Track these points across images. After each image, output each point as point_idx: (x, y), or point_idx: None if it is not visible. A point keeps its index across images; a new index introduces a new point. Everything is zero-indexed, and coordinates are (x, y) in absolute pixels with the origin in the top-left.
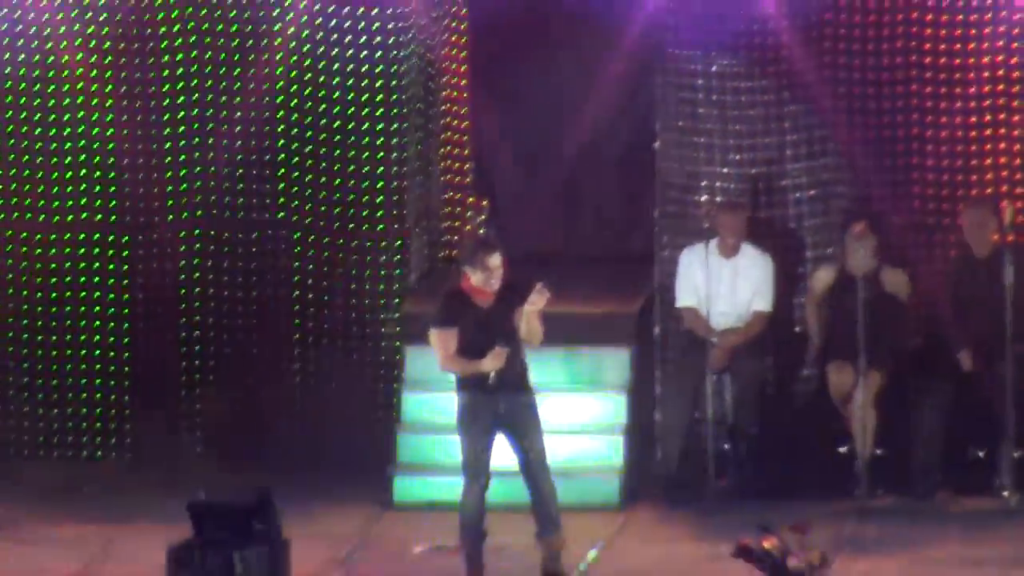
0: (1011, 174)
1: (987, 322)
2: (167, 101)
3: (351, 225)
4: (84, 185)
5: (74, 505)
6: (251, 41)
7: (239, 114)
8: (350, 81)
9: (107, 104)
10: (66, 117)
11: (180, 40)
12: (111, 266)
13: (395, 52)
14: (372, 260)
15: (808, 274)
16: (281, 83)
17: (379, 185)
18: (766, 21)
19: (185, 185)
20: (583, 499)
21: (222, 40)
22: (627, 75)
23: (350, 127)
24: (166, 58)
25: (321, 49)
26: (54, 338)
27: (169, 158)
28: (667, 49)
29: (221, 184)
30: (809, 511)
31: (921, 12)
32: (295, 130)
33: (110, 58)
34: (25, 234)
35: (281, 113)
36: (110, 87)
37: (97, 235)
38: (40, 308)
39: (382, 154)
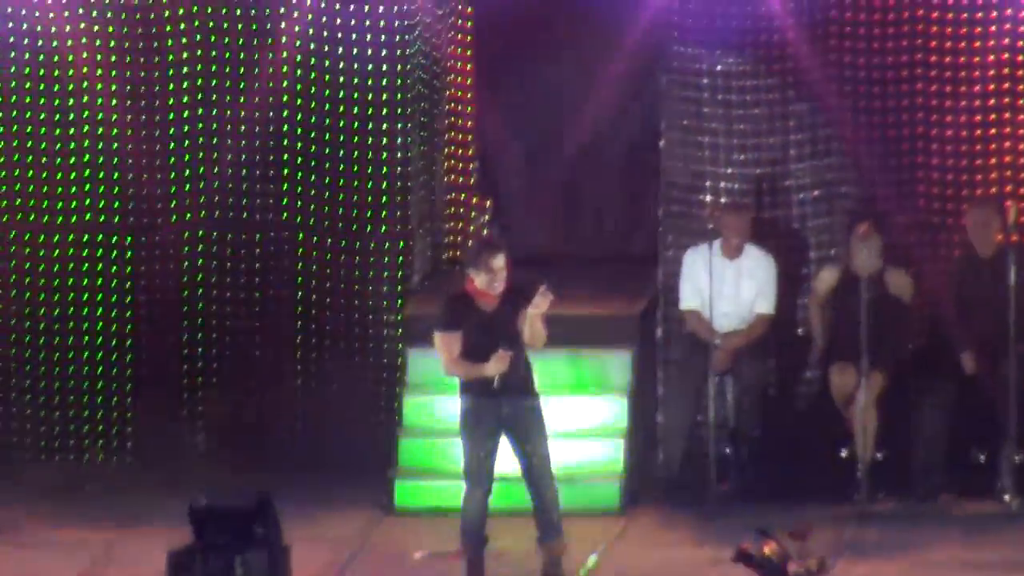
0: (1015, 174)
1: (991, 323)
2: (171, 102)
3: (354, 227)
4: (88, 186)
5: (75, 508)
6: (255, 42)
7: (242, 115)
8: (354, 82)
9: (111, 105)
10: (70, 118)
11: (184, 40)
12: (114, 268)
13: (399, 53)
14: (375, 262)
15: (812, 275)
16: (285, 83)
17: (383, 186)
18: (771, 20)
19: (188, 186)
20: (584, 503)
21: (227, 40)
22: (631, 75)
23: (354, 128)
24: (171, 58)
25: (325, 50)
26: (57, 340)
27: (172, 159)
28: (671, 48)
29: (224, 186)
30: (810, 514)
31: (926, 11)
32: (298, 131)
33: (114, 59)
34: (28, 235)
35: (285, 114)
36: (114, 88)
37: (100, 236)
38: (43, 310)
39: (385, 155)
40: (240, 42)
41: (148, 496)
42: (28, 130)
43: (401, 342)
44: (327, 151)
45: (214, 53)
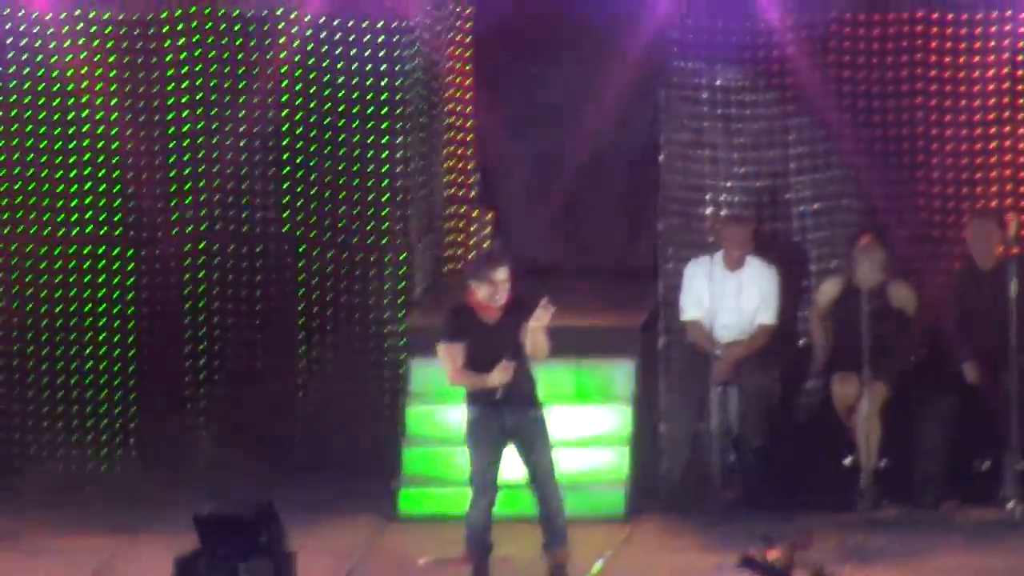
0: (1016, 186)
1: (991, 334)
2: (171, 115)
3: (355, 238)
4: (90, 198)
5: (78, 515)
6: (255, 53)
7: (242, 127)
8: (355, 93)
9: (112, 117)
10: (71, 131)
11: (184, 52)
12: (116, 278)
13: (399, 64)
14: (377, 273)
15: (813, 287)
16: (285, 96)
17: (384, 198)
18: (771, 34)
19: (189, 198)
20: (589, 510)
21: (227, 52)
22: (632, 87)
23: (355, 139)
24: (170, 72)
25: (324, 60)
26: (60, 350)
27: (173, 171)
28: (672, 62)
29: (225, 197)
30: (814, 523)
31: (926, 24)
32: (299, 143)
33: (114, 71)
34: (30, 246)
35: (284, 127)
36: (115, 100)
37: (103, 248)
38: (45, 320)
39: (387, 167)
40: (239, 52)
41: (151, 504)
42: (29, 142)
43: (404, 352)
44: (327, 162)
45: (214, 64)
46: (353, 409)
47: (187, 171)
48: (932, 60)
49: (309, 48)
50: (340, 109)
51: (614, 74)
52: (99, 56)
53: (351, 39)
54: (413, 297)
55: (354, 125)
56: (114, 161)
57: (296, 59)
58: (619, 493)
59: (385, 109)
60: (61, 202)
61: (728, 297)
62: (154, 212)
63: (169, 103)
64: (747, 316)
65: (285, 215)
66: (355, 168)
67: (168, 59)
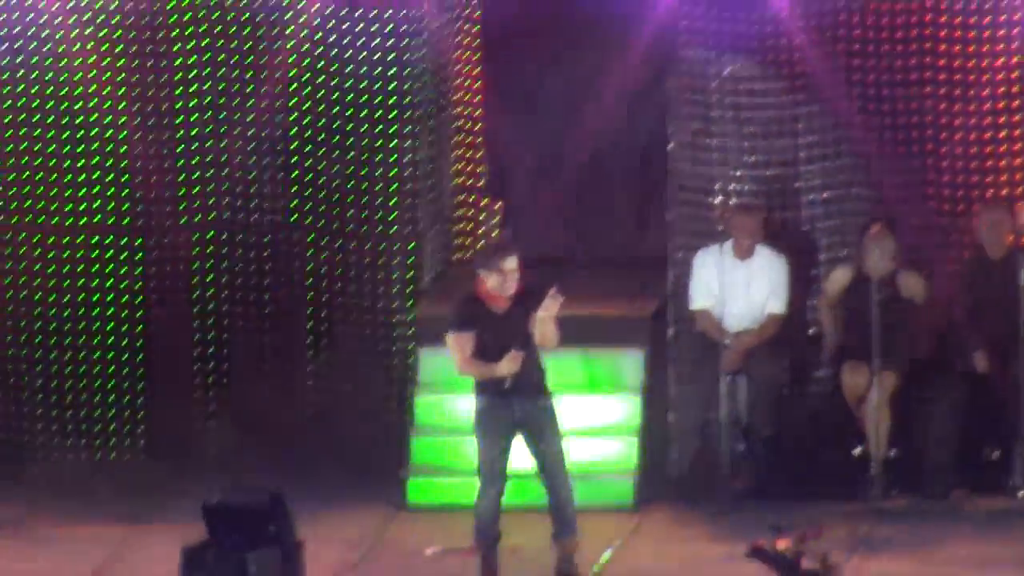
0: None
1: (1001, 323)
2: (180, 104)
3: (364, 228)
4: (98, 188)
5: (86, 505)
6: (263, 45)
7: (252, 118)
8: (363, 84)
9: (120, 107)
10: (79, 120)
11: (193, 43)
12: (124, 269)
13: (408, 55)
14: (385, 262)
15: (822, 276)
16: (294, 86)
17: (392, 188)
18: (780, 23)
19: (197, 188)
20: (598, 499)
21: (235, 43)
22: (640, 77)
23: (363, 130)
24: (179, 61)
25: (334, 52)
26: (68, 340)
27: (182, 162)
28: (680, 51)
29: (233, 188)
30: (823, 512)
31: (936, 14)
32: (307, 133)
33: (123, 62)
34: (38, 236)
35: (294, 116)
36: (123, 90)
37: (111, 238)
38: (54, 311)
39: (395, 156)
40: (249, 46)
41: (160, 494)
42: (37, 133)
43: (413, 342)
44: (335, 153)
45: (222, 57)
46: (362, 398)
47: (196, 162)
48: (942, 49)
49: (318, 38)
50: (348, 99)
51: (623, 64)
52: (108, 47)
53: (360, 30)
54: (422, 287)
55: (363, 115)
56: (123, 151)
57: (304, 50)
58: (628, 483)
59: (394, 99)
60: (70, 192)
61: (738, 286)
62: (163, 202)
63: (178, 93)
64: (757, 305)
65: (294, 204)
66: (363, 158)
67: (177, 49)
